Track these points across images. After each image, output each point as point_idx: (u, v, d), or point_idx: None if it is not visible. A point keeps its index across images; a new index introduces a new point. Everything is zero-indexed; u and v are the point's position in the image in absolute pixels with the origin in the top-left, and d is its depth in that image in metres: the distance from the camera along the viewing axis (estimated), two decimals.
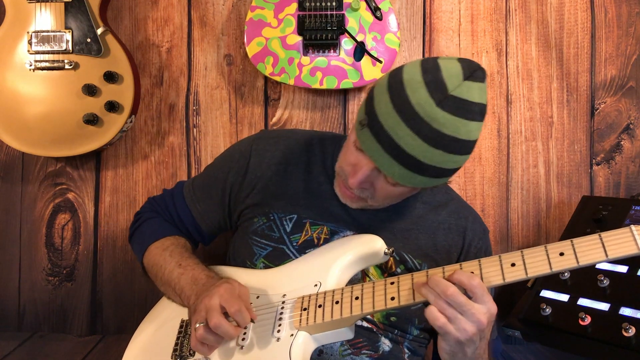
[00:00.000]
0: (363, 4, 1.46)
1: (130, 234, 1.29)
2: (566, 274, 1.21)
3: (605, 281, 1.14)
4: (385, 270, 1.09)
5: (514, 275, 0.85)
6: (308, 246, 1.09)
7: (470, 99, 0.88)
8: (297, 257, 1.07)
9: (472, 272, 0.86)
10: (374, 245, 0.99)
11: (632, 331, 1.03)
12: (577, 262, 0.83)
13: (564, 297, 1.18)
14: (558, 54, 1.59)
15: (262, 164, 1.16)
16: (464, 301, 0.82)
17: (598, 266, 1.20)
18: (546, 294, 1.22)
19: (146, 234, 1.21)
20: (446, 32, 1.59)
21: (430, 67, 0.90)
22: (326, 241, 1.09)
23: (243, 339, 0.96)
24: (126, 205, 1.58)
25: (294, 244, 1.10)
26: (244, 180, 1.17)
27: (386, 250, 0.98)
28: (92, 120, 1.39)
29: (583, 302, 1.15)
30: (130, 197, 1.58)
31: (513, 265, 0.86)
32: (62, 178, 1.58)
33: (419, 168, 0.91)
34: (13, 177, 1.58)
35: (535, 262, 0.85)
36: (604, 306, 1.12)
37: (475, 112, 0.89)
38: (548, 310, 1.16)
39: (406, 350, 1.09)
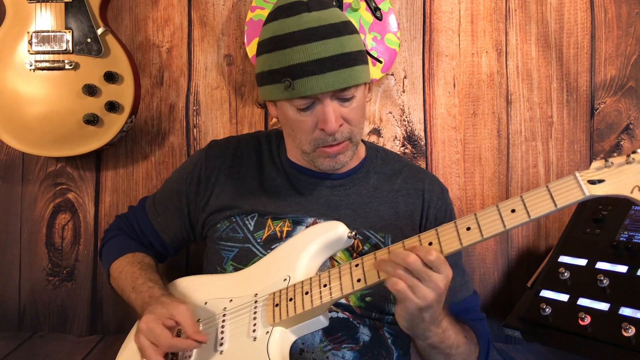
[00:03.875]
0: (363, 4, 1.46)
1: (99, 254, 1.31)
2: (566, 273, 1.21)
3: (605, 281, 1.14)
4: (353, 250, 1.10)
5: (471, 238, 0.86)
6: (272, 240, 1.11)
7: None
8: (263, 253, 1.09)
9: (431, 243, 0.88)
10: (336, 231, 1.00)
11: (631, 331, 1.03)
12: (529, 216, 0.84)
13: (564, 297, 1.18)
14: (558, 54, 1.59)
15: (214, 170, 1.19)
16: (423, 268, 0.84)
17: (598, 266, 1.20)
18: (546, 293, 1.22)
19: (109, 254, 1.24)
20: (446, 32, 1.59)
21: (275, 11, 1.03)
22: (289, 233, 1.11)
23: (221, 344, 0.97)
24: (126, 205, 1.57)
25: (259, 240, 1.11)
26: (198, 189, 1.19)
27: (349, 234, 0.99)
28: (92, 120, 1.39)
29: (583, 302, 1.15)
30: (130, 197, 1.58)
31: (469, 229, 0.87)
32: (63, 178, 1.58)
33: (347, 59, 1.00)
34: (13, 177, 1.59)
35: (490, 223, 0.86)
36: (603, 306, 1.11)
37: (329, 1, 1.05)
38: (548, 310, 1.16)
39: (387, 335, 1.10)
